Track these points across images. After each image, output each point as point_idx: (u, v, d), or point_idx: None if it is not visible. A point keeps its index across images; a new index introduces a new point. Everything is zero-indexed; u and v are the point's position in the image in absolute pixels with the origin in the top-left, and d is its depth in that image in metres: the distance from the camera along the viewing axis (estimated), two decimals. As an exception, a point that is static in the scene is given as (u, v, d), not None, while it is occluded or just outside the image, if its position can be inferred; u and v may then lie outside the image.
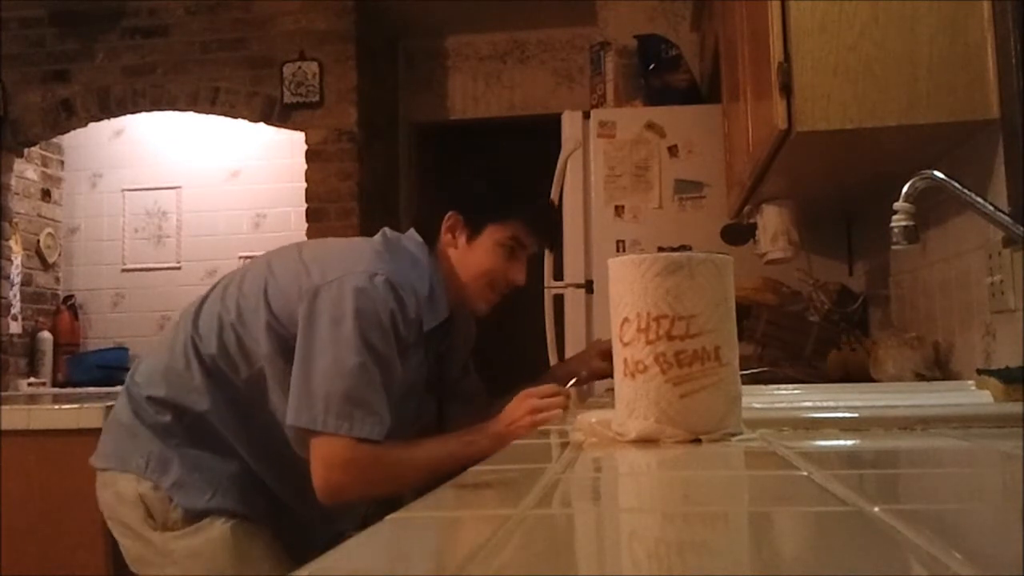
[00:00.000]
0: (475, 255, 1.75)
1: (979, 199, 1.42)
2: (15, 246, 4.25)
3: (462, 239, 1.76)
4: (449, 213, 1.76)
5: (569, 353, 2.91)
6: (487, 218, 1.75)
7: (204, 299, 1.74)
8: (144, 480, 1.63)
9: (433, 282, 1.71)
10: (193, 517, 1.62)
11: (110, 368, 4.15)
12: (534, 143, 3.58)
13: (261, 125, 4.08)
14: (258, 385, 1.63)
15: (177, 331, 1.72)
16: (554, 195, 3.10)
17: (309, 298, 1.58)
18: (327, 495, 1.55)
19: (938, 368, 1.88)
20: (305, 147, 3.97)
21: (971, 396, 1.14)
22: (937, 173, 1.42)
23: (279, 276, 1.66)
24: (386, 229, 1.80)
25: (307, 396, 1.53)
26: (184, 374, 1.66)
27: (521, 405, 1.66)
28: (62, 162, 4.70)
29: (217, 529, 1.63)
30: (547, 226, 1.82)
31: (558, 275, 3.12)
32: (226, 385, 1.65)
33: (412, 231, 1.81)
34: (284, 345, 1.60)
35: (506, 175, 1.83)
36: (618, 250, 3.03)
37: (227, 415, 1.65)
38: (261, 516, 1.67)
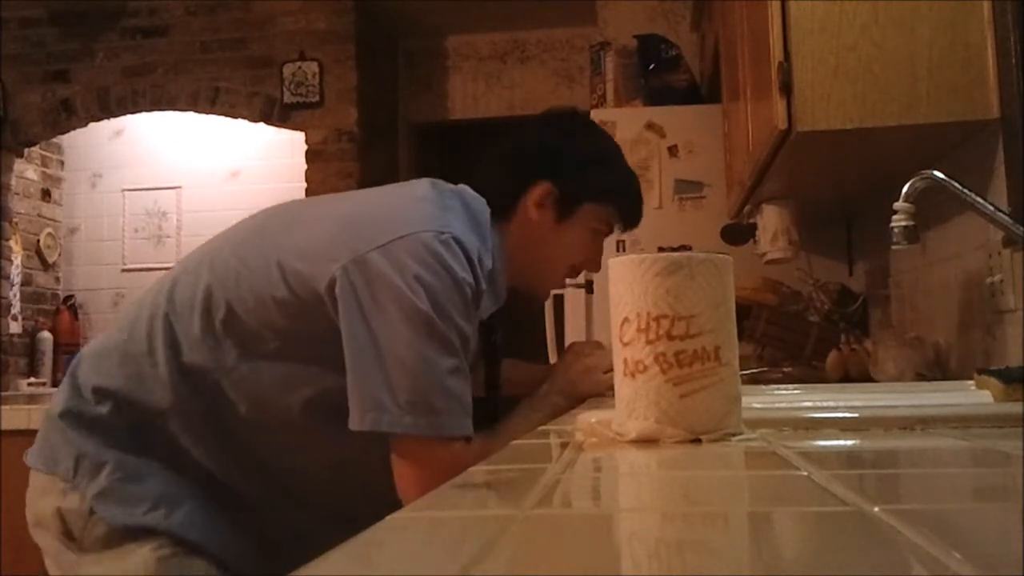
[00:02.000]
0: (564, 236, 1.48)
1: (979, 199, 1.42)
2: (15, 246, 4.25)
3: (549, 215, 1.47)
4: (542, 183, 1.46)
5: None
6: (587, 196, 1.48)
7: (181, 271, 1.38)
8: (69, 488, 1.29)
9: (495, 256, 1.40)
10: (118, 538, 1.27)
11: (110, 368, 4.14)
12: (534, 143, 3.57)
13: (261, 125, 4.08)
14: (259, 375, 1.29)
15: (140, 308, 1.36)
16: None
17: (357, 268, 1.24)
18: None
19: (938, 368, 1.88)
20: (305, 147, 3.97)
21: (971, 396, 1.14)
22: (937, 173, 1.42)
23: (297, 236, 1.32)
24: (436, 180, 1.47)
25: (379, 393, 1.23)
26: (144, 361, 1.30)
27: (576, 363, 1.55)
28: (62, 162, 4.70)
29: (140, 557, 1.26)
30: (640, 211, 1.56)
31: (558, 275, 3.12)
32: (203, 377, 1.29)
33: (467, 188, 1.47)
34: (309, 325, 1.27)
35: (608, 149, 1.56)
36: (618, 250, 3.03)
37: (194, 415, 1.30)
38: (210, 544, 1.31)
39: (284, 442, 1.34)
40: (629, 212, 1.54)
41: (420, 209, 1.34)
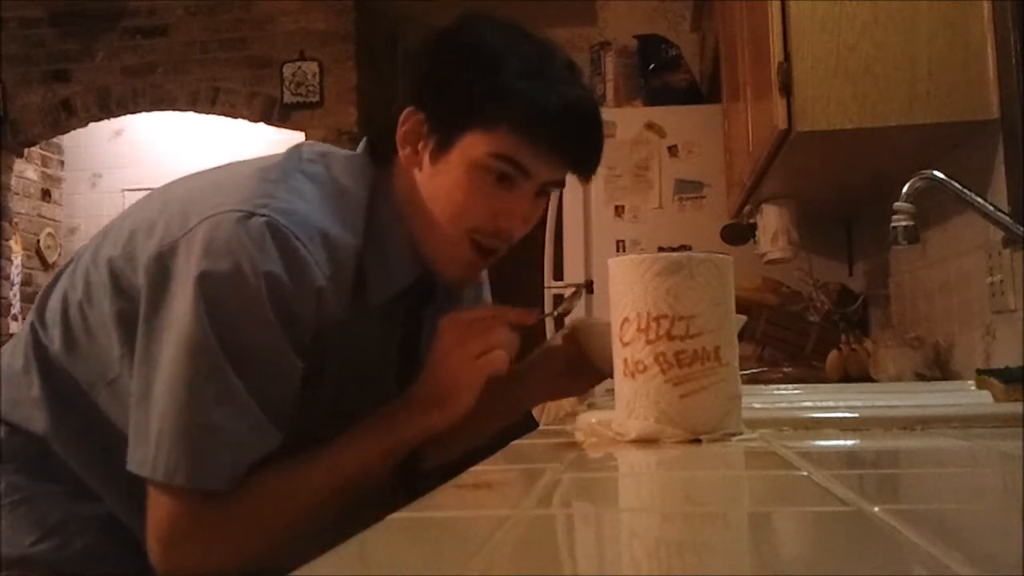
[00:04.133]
0: (443, 181, 1.06)
1: (979, 199, 1.42)
2: (15, 246, 4.26)
3: (426, 157, 1.06)
4: (406, 110, 1.06)
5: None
6: (464, 119, 1.04)
7: (61, 271, 1.15)
8: None
9: (384, 226, 1.07)
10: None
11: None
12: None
13: (261, 125, 4.08)
14: (118, 396, 1.03)
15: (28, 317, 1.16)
16: (554, 195, 3.10)
17: (152, 266, 0.97)
18: (168, 571, 0.97)
19: (938, 368, 1.88)
20: (305, 147, 3.97)
21: (971, 396, 1.14)
22: (937, 173, 1.42)
23: (132, 230, 1.04)
24: (303, 144, 1.14)
25: (143, 426, 0.95)
26: (21, 379, 1.10)
27: (454, 350, 1.03)
28: (62, 162, 4.70)
29: None
30: (568, 137, 1.05)
31: (558, 275, 3.12)
32: (73, 395, 1.07)
33: (349, 154, 1.13)
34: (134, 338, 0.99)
35: (497, 48, 1.07)
36: (618, 250, 3.03)
37: (72, 438, 1.08)
38: None
39: None
40: (540, 138, 1.03)
41: (242, 182, 1.02)
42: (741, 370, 0.78)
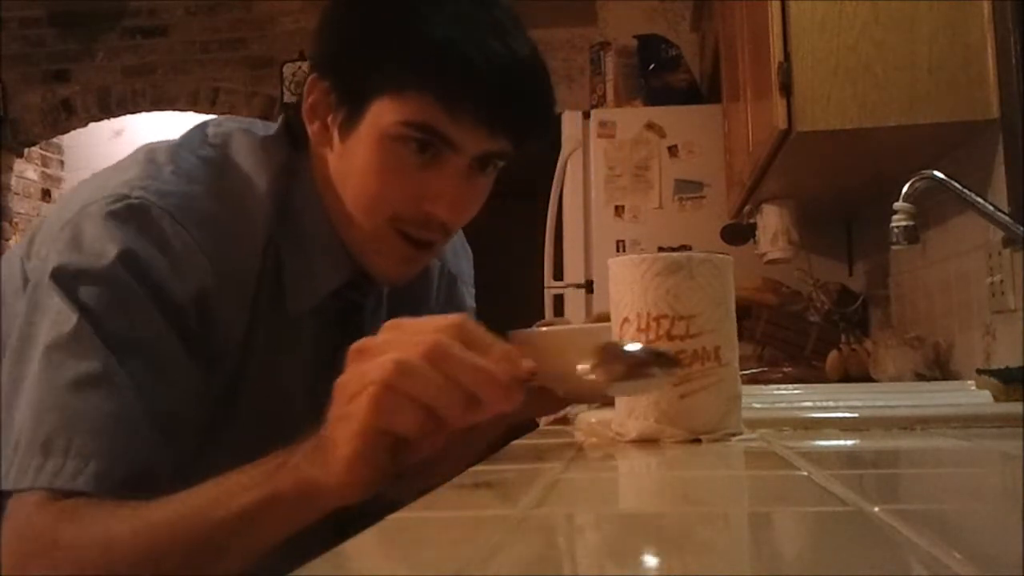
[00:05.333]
0: (354, 159, 0.89)
1: (979, 199, 1.42)
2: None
3: (335, 131, 0.91)
4: (309, 78, 0.91)
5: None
6: (372, 83, 0.87)
7: None
8: None
9: (301, 218, 0.92)
10: None
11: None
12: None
13: (261, 125, 4.09)
14: None
15: None
16: (554, 195, 3.10)
17: (31, 263, 0.86)
18: None
19: (938, 368, 1.88)
20: (305, 147, 3.98)
21: (971, 396, 1.14)
22: (937, 173, 1.42)
23: (38, 225, 0.93)
24: (210, 121, 0.99)
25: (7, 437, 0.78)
26: None
27: (349, 381, 0.66)
28: (62, 162, 4.70)
29: None
30: (494, 98, 0.86)
31: (558, 275, 3.12)
32: None
33: (278, 125, 0.97)
34: None
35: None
36: (618, 250, 3.03)
37: None
38: None
39: None
40: (453, 88, 0.84)
41: (127, 167, 0.89)
42: (741, 370, 0.78)
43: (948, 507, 0.49)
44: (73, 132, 4.32)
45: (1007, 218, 1.41)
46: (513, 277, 3.42)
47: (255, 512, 0.70)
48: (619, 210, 3.08)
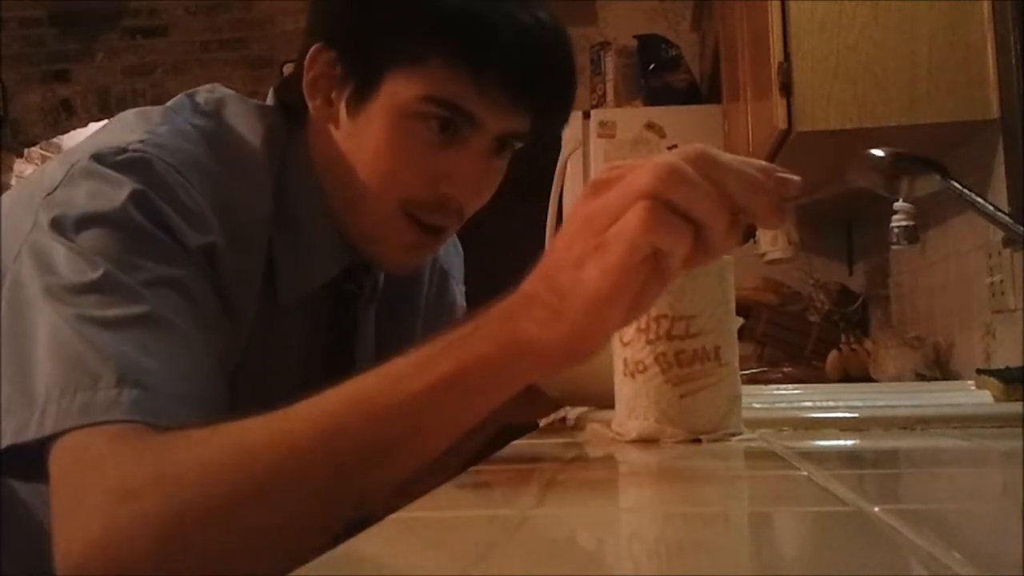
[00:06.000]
0: (365, 138, 0.82)
1: (979, 199, 1.42)
2: (15, 246, 4.26)
3: (342, 108, 0.83)
4: (313, 47, 0.83)
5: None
6: (385, 55, 0.80)
7: None
8: None
9: (296, 201, 0.85)
10: None
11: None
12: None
13: (261, 125, 4.09)
14: None
15: None
16: (554, 196, 3.09)
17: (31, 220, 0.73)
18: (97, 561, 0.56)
19: (938, 368, 1.88)
20: (305, 147, 3.98)
21: (971, 396, 1.14)
22: (937, 173, 1.42)
23: (29, 182, 0.82)
24: (200, 89, 0.87)
25: (16, 392, 0.65)
26: None
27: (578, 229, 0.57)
28: (62, 162, 4.71)
29: None
30: (526, 70, 0.80)
31: (558, 275, 3.12)
32: None
33: (269, 99, 0.91)
34: None
35: None
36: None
37: None
38: None
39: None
40: (484, 59, 0.78)
41: (120, 125, 0.81)
42: (741, 370, 0.78)
43: (948, 507, 0.49)
44: (73, 132, 4.32)
45: (1007, 218, 1.41)
46: (513, 277, 3.42)
47: (443, 386, 0.58)
48: (619, 210, 3.08)
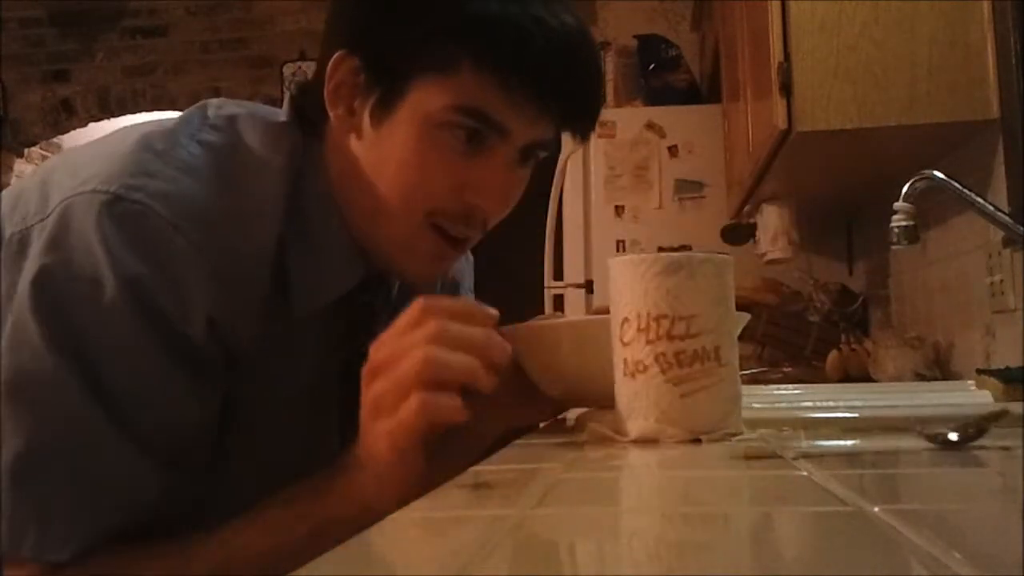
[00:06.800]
0: (390, 148, 0.80)
1: (979, 199, 1.42)
2: (15, 246, 4.26)
3: (365, 117, 0.81)
4: (335, 55, 0.81)
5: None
6: (411, 62, 0.78)
7: None
8: None
9: (312, 212, 0.82)
10: None
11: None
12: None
13: (261, 125, 4.09)
14: None
15: None
16: (554, 195, 3.09)
17: (4, 252, 0.76)
18: None
19: (938, 368, 1.88)
20: (305, 147, 3.98)
21: (971, 396, 1.14)
22: (937, 173, 1.42)
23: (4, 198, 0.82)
24: (211, 102, 0.86)
25: None
26: None
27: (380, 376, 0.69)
28: (62, 162, 4.71)
29: None
30: (557, 77, 0.79)
31: (558, 275, 3.12)
32: None
33: (284, 109, 0.87)
34: None
35: None
36: (618, 250, 3.03)
37: None
38: None
39: None
40: (515, 66, 0.77)
41: (119, 151, 0.77)
42: (741, 370, 0.78)
43: (948, 507, 0.49)
44: (73, 132, 4.32)
45: (1007, 218, 1.41)
46: (513, 277, 3.42)
47: (314, 537, 0.71)
48: (619, 210, 3.08)
